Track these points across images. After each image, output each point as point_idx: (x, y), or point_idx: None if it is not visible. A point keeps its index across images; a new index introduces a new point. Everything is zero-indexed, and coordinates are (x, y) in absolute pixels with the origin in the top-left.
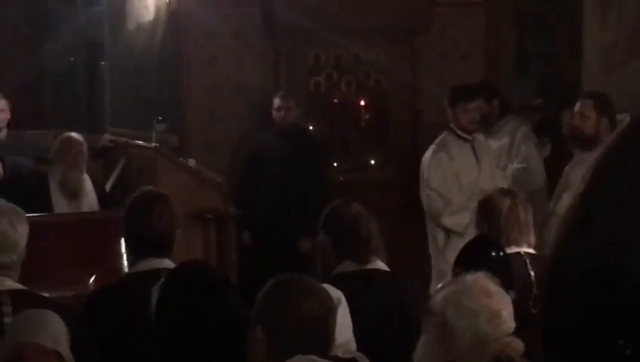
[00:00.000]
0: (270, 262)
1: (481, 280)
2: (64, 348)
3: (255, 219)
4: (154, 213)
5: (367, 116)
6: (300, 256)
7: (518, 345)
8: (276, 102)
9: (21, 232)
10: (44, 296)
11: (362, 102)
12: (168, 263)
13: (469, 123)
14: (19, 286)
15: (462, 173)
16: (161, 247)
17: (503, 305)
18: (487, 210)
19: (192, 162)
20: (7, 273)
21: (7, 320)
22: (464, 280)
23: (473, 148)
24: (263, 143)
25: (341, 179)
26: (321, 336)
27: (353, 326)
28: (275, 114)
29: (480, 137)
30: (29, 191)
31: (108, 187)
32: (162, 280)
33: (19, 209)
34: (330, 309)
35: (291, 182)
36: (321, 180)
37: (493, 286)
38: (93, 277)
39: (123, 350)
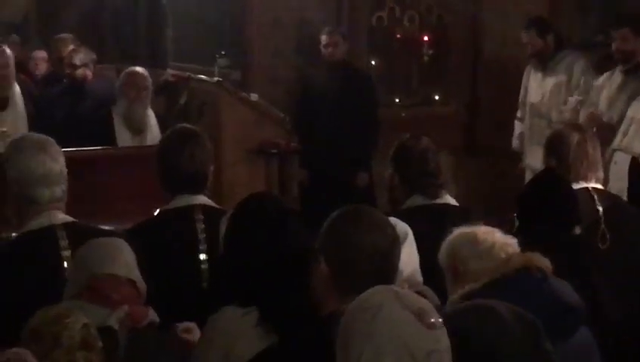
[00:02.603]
0: (326, 198)
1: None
2: (136, 275)
3: (309, 156)
4: (185, 150)
5: (429, 52)
6: (356, 190)
7: (544, 260)
8: (323, 38)
9: (62, 162)
10: (97, 227)
11: (425, 38)
12: (203, 199)
13: None
14: (70, 218)
15: None
16: (194, 184)
17: None
18: (555, 144)
19: (254, 97)
20: (59, 206)
21: (65, 253)
22: None
23: None
24: (313, 80)
25: (403, 115)
26: (385, 268)
27: (422, 261)
28: (322, 50)
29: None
30: (93, 125)
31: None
32: (201, 214)
33: (50, 139)
34: (394, 241)
35: (342, 118)
36: (371, 115)
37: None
38: (157, 211)
39: (159, 284)
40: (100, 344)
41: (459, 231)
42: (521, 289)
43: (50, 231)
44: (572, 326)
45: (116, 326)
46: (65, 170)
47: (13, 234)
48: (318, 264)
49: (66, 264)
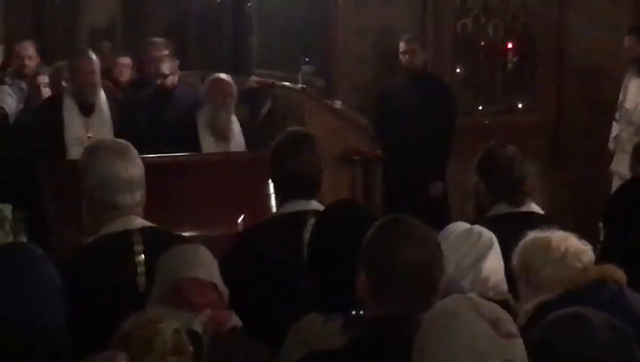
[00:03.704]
0: (402, 206)
1: None
2: (218, 279)
3: (388, 164)
4: (301, 154)
5: (514, 59)
6: (432, 199)
7: (620, 272)
8: (401, 45)
9: (141, 167)
10: (174, 233)
11: (509, 45)
12: (316, 205)
13: None
14: (148, 223)
15: None
16: (308, 189)
17: None
18: None
19: (338, 104)
20: (138, 211)
21: (139, 258)
22: None
23: None
24: (392, 88)
25: (486, 122)
26: (423, 283)
27: (506, 268)
28: (401, 58)
29: None
30: (178, 131)
31: (254, 129)
32: (313, 219)
33: (128, 144)
34: (434, 255)
35: (419, 127)
36: (448, 124)
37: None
38: (242, 216)
39: (272, 288)
40: (191, 349)
41: (532, 236)
42: (596, 301)
43: (125, 235)
44: None
45: (200, 331)
46: (143, 175)
47: (90, 239)
48: (358, 273)
49: (140, 268)
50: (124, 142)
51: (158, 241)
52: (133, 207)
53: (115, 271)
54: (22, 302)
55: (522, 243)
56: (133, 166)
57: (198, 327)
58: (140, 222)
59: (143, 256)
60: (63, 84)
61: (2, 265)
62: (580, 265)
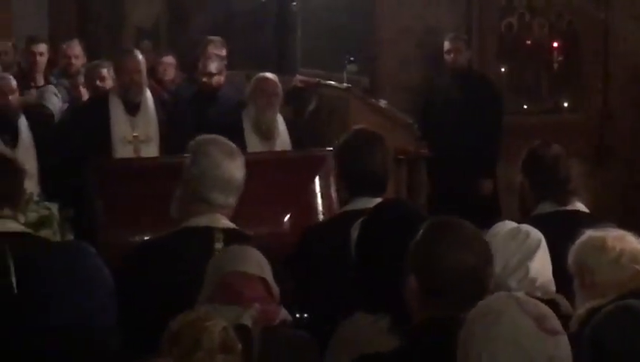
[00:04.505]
0: (451, 206)
1: None
2: (269, 276)
3: (434, 163)
4: (373, 152)
5: (559, 58)
6: (481, 198)
7: None
8: (445, 44)
9: (243, 174)
10: (252, 236)
11: (555, 44)
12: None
13: None
14: (232, 225)
15: None
16: (377, 186)
17: None
18: None
19: (383, 103)
20: (225, 212)
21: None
22: None
23: None
24: (437, 87)
25: (531, 121)
26: (472, 287)
27: (553, 268)
28: (445, 57)
29: None
30: (223, 130)
31: (300, 128)
32: (362, 218)
33: (238, 149)
34: (483, 258)
35: (466, 126)
36: (496, 122)
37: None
38: (288, 215)
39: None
40: (240, 346)
41: (589, 234)
42: None
43: (208, 231)
44: None
45: (250, 324)
46: (242, 184)
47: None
48: (408, 279)
49: None
50: (235, 146)
51: (237, 242)
52: (223, 207)
53: (191, 264)
54: (74, 302)
55: (577, 242)
56: (237, 170)
57: (247, 321)
58: (225, 222)
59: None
60: (97, 83)
61: (55, 264)
62: (636, 267)
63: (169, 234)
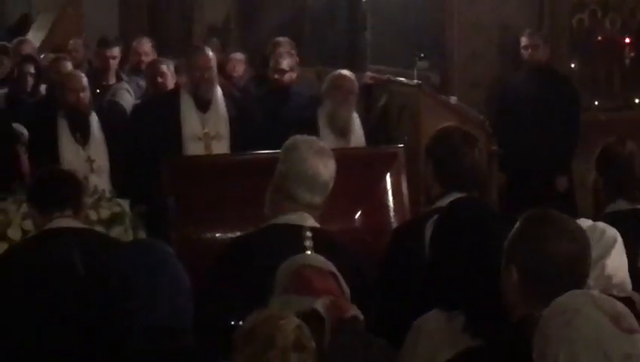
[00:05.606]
0: (525, 202)
1: None
2: (339, 274)
3: (509, 159)
4: (471, 149)
5: (631, 55)
6: (556, 194)
7: None
8: (523, 40)
9: (332, 173)
10: (340, 238)
11: (627, 41)
12: None
13: None
14: (318, 225)
15: None
16: (472, 183)
17: None
18: None
19: (453, 100)
20: (314, 213)
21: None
22: None
23: None
24: (513, 83)
25: (603, 118)
26: (576, 277)
27: (628, 266)
28: (522, 52)
29: None
30: (297, 127)
31: (371, 123)
32: (436, 216)
33: (329, 149)
34: (585, 248)
35: (542, 121)
36: (572, 118)
37: None
38: (359, 212)
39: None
40: (313, 344)
41: None
42: None
43: (296, 229)
44: None
45: (323, 313)
46: (332, 183)
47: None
48: (509, 271)
49: None
50: (327, 147)
51: (327, 242)
52: (311, 206)
53: (280, 261)
54: (153, 303)
55: None
56: (325, 169)
57: (320, 308)
58: (312, 221)
59: (311, 251)
60: (158, 79)
61: (135, 264)
62: None
63: (257, 232)
